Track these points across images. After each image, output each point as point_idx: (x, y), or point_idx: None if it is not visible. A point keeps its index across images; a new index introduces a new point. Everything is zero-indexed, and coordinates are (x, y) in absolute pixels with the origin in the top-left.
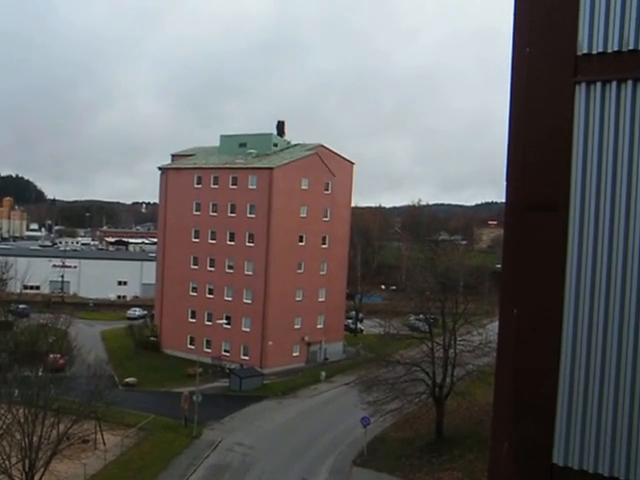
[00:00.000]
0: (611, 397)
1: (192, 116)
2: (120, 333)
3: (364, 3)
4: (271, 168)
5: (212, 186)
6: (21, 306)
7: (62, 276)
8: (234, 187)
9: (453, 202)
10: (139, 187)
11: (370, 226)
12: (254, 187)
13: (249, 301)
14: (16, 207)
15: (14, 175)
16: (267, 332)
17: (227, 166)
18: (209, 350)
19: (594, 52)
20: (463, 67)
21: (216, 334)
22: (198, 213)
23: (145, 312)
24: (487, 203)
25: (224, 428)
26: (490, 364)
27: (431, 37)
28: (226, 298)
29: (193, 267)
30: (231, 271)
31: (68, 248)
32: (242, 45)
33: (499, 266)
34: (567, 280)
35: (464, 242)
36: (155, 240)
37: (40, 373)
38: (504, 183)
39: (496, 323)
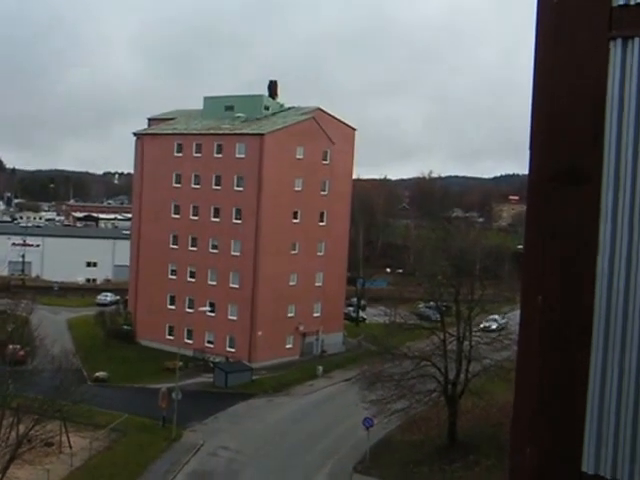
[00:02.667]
0: None
1: (172, 75)
2: (89, 321)
3: None
4: (262, 134)
5: (194, 155)
6: None
7: (23, 256)
8: (219, 156)
9: (469, 174)
10: (111, 155)
11: (374, 201)
12: (242, 156)
13: (236, 286)
14: None
15: None
16: (256, 321)
17: (211, 132)
18: (190, 341)
19: (632, 3)
20: (482, 19)
21: (198, 323)
22: (178, 185)
23: (118, 298)
24: (507, 175)
25: (207, 429)
26: (510, 358)
27: None
28: (210, 282)
29: (172, 247)
30: (216, 251)
31: (30, 224)
32: None
33: (521, 247)
34: (599, 262)
35: (481, 220)
36: (129, 216)
37: None
38: (527, 152)
39: (518, 312)
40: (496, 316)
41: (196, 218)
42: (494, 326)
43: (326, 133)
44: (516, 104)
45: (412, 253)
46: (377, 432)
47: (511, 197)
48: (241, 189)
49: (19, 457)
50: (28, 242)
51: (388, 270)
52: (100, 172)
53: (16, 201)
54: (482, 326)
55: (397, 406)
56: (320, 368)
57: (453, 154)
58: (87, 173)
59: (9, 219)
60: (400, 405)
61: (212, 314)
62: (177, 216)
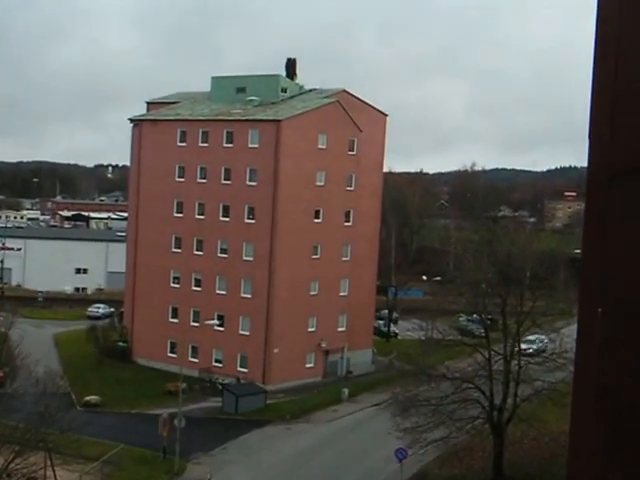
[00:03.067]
0: None
1: (175, 52)
2: (78, 337)
3: None
4: (278, 120)
5: (200, 144)
6: None
7: (1, 261)
8: (229, 145)
9: (518, 167)
10: (104, 145)
11: (408, 198)
12: (256, 146)
13: (248, 295)
14: None
15: None
16: (272, 336)
17: (220, 118)
18: (196, 360)
19: None
20: None
21: (205, 339)
22: (182, 180)
23: (111, 310)
24: (563, 168)
25: (214, 462)
26: (566, 380)
27: None
28: (218, 292)
29: (175, 251)
30: (225, 256)
31: (10, 225)
32: None
33: (578, 251)
34: None
35: (532, 220)
36: (125, 215)
37: None
38: (587, 141)
39: (574, 326)
40: (537, 335)
41: (202, 217)
42: (532, 348)
43: (353, 119)
44: (574, 87)
45: (452, 258)
46: (411, 465)
47: (567, 193)
48: (254, 184)
49: None
50: (8, 245)
51: (424, 278)
52: (91, 164)
53: None
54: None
55: (434, 435)
56: (345, 391)
57: (500, 144)
58: (76, 166)
59: None
60: (438, 434)
61: (221, 328)
62: (180, 215)
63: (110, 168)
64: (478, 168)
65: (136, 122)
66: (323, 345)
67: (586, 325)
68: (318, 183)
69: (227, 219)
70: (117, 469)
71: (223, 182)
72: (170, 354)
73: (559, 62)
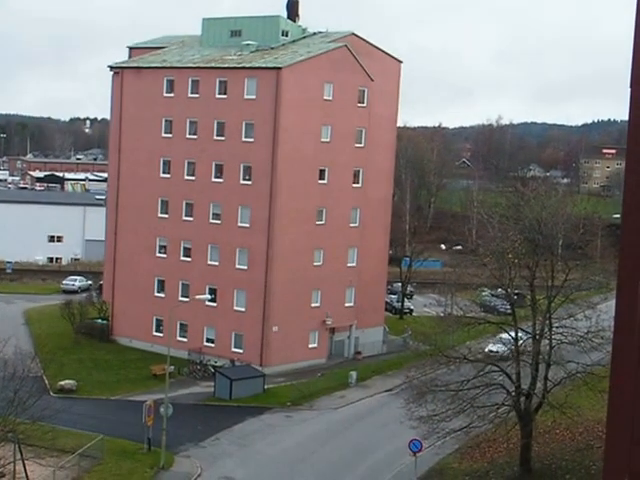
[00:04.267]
0: None
1: None
2: (52, 313)
3: None
4: (278, 68)
5: (190, 95)
6: None
7: None
8: (223, 97)
9: (550, 120)
10: (80, 96)
11: (425, 156)
12: (252, 97)
13: (244, 267)
14: None
15: None
16: (270, 313)
17: (212, 65)
18: (184, 339)
19: None
20: None
21: (195, 316)
22: (169, 135)
23: (89, 282)
24: (601, 122)
25: (206, 454)
26: (603, 363)
27: None
28: (210, 262)
29: (161, 216)
30: (218, 222)
31: None
32: None
33: (618, 216)
34: None
35: (566, 180)
36: (104, 175)
37: None
38: (627, 91)
39: (612, 302)
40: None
41: (192, 178)
42: (497, 350)
43: (363, 67)
44: (617, 29)
45: (474, 224)
46: (428, 458)
47: (606, 150)
48: (251, 140)
49: None
50: None
51: (443, 247)
52: (66, 118)
53: None
54: (487, 350)
55: (453, 425)
56: (354, 374)
57: (530, 94)
58: (49, 119)
59: None
60: (457, 423)
61: (213, 304)
62: (167, 176)
63: (88, 122)
64: (505, 122)
65: (117, 70)
66: (328, 322)
67: (626, 300)
68: (323, 139)
69: (220, 180)
70: (96, 463)
71: (216, 138)
72: (156, 333)
73: (600, 4)
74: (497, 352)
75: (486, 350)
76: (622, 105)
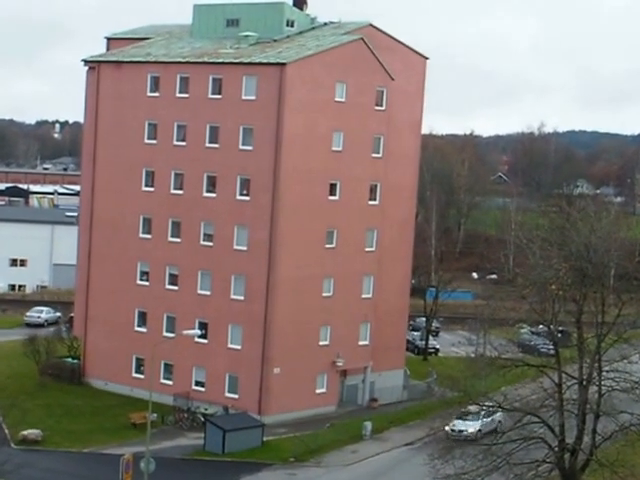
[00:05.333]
0: None
1: None
2: (14, 351)
3: None
4: (282, 64)
5: (178, 95)
6: None
7: None
8: (217, 97)
9: (601, 129)
10: (49, 95)
11: (455, 169)
12: (252, 97)
13: (240, 297)
14: None
15: None
16: (271, 352)
17: (205, 60)
18: (169, 382)
19: None
20: None
21: (182, 355)
22: (153, 142)
23: (58, 315)
24: None
25: None
26: None
27: None
28: (200, 292)
29: (143, 236)
30: (210, 244)
31: None
32: None
33: None
34: None
35: (619, 199)
36: (76, 188)
37: None
38: None
39: None
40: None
41: (180, 193)
42: (469, 429)
43: (382, 63)
44: None
45: (512, 250)
46: None
47: None
48: (249, 148)
49: None
50: None
51: (475, 275)
52: (32, 121)
53: None
54: (448, 429)
55: None
56: (368, 425)
57: (578, 98)
58: (11, 122)
59: None
60: None
61: (203, 341)
62: (151, 189)
63: (57, 126)
64: (548, 129)
65: (92, 64)
66: (339, 364)
67: None
68: (334, 148)
69: (213, 195)
70: None
71: (208, 145)
72: (136, 374)
73: None
74: (462, 432)
75: (448, 429)
76: None
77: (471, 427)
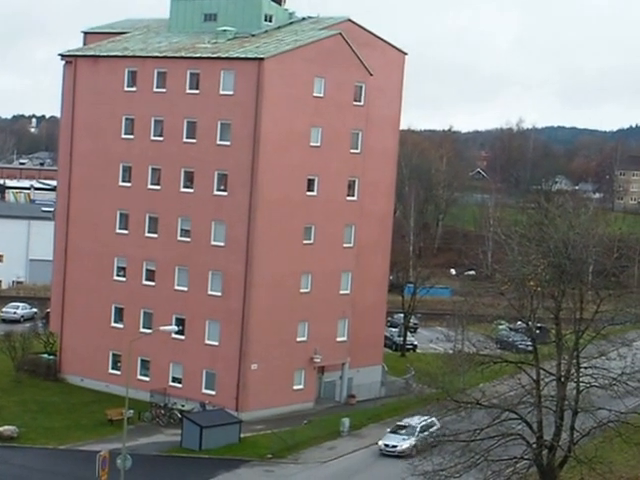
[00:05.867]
0: None
1: None
2: None
3: None
4: (260, 59)
5: (156, 89)
6: None
7: None
8: (194, 92)
9: (580, 125)
10: (25, 90)
11: (433, 165)
12: (230, 92)
13: (218, 293)
14: None
15: None
16: (249, 348)
17: (182, 54)
18: (146, 378)
19: None
20: None
21: (159, 351)
22: (130, 137)
23: (34, 310)
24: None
25: None
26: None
27: None
28: (177, 287)
29: (120, 232)
30: (187, 240)
31: None
32: None
33: None
34: None
35: (597, 195)
36: (53, 183)
37: None
38: None
39: None
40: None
41: (157, 188)
42: (404, 445)
43: (360, 59)
44: None
45: (490, 246)
46: None
47: None
48: (227, 143)
49: None
50: None
51: (453, 272)
52: (8, 115)
53: None
54: (381, 443)
55: None
56: (346, 422)
57: (557, 94)
58: None
59: None
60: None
61: (180, 337)
62: (127, 184)
63: (34, 120)
64: (527, 125)
65: (69, 59)
66: (317, 360)
67: None
68: (313, 143)
69: (190, 190)
70: None
71: (185, 141)
72: (112, 370)
73: None
74: (395, 447)
75: (380, 444)
76: None
77: (405, 443)
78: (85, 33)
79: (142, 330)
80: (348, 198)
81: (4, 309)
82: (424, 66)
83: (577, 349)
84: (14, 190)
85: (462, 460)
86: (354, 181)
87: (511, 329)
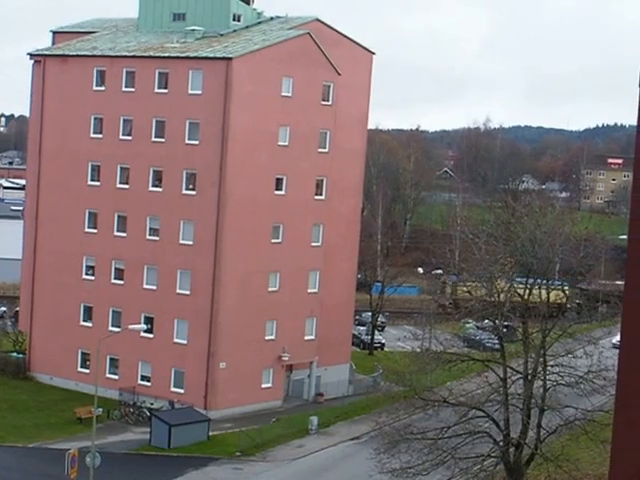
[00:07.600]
0: None
1: None
2: None
3: None
4: (228, 58)
5: (124, 89)
6: None
7: None
8: (163, 91)
9: (546, 124)
10: None
11: (400, 164)
12: (198, 92)
13: (186, 292)
14: None
15: None
16: (217, 347)
17: (151, 54)
18: (115, 377)
19: None
20: None
21: (128, 349)
22: (99, 136)
23: (3, 309)
24: (606, 127)
25: None
26: (606, 408)
27: None
28: (146, 286)
29: (89, 231)
30: (155, 239)
31: None
32: None
33: (624, 237)
34: None
35: (564, 194)
36: (22, 182)
37: None
38: (637, 91)
39: (617, 337)
40: None
41: (126, 187)
42: None
43: (328, 58)
44: (623, 22)
45: (457, 245)
46: None
47: (611, 160)
48: (196, 142)
49: None
50: None
51: (420, 270)
52: None
53: None
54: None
55: (432, 479)
56: (315, 420)
57: (524, 94)
58: None
59: None
60: (437, 477)
61: (149, 335)
62: (96, 183)
63: (2, 119)
64: (494, 125)
65: (38, 58)
66: (285, 359)
67: (633, 334)
68: (281, 143)
69: (159, 189)
70: None
71: (154, 140)
72: (81, 369)
73: None
74: None
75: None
76: (631, 108)
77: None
78: (54, 32)
79: (111, 329)
80: (316, 197)
81: None
82: (392, 66)
83: (544, 347)
84: None
85: (430, 458)
86: (322, 180)
87: (478, 327)
